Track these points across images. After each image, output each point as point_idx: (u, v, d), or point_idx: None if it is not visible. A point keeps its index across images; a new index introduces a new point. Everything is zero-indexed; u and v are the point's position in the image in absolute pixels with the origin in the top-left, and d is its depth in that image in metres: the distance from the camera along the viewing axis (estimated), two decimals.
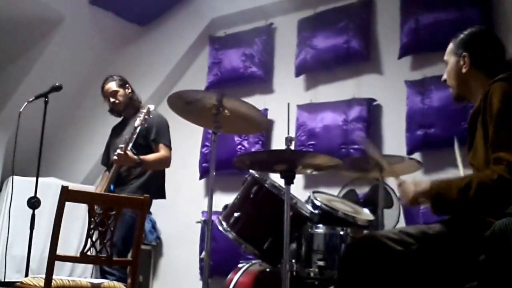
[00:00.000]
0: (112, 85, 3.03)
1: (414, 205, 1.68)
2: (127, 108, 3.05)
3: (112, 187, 2.82)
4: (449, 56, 1.78)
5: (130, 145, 2.76)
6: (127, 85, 3.07)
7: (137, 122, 2.75)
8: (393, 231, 1.59)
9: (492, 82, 1.60)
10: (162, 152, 2.90)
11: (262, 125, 2.47)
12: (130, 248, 2.35)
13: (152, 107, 2.82)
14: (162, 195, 3.01)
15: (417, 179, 1.68)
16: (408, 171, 2.45)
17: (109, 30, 4.62)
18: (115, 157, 2.73)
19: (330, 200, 2.30)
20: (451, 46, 1.79)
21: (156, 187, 2.94)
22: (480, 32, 1.79)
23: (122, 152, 2.70)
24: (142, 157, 2.79)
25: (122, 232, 2.60)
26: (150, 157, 2.85)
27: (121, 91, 3.02)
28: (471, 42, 1.75)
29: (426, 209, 3.12)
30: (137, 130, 2.76)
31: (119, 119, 3.17)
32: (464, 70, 1.72)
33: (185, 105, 2.14)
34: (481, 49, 1.74)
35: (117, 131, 3.10)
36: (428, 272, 1.53)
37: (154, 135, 2.92)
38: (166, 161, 2.94)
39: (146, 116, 2.77)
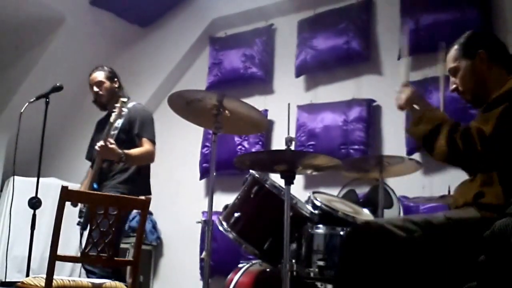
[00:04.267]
0: (99, 75, 2.92)
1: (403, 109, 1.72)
2: (110, 102, 2.88)
3: (95, 185, 2.69)
4: (457, 61, 1.70)
5: (111, 139, 2.65)
6: (115, 79, 2.94)
7: (112, 117, 2.64)
8: (397, 218, 1.60)
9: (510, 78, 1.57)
10: (146, 146, 2.78)
11: (262, 126, 2.47)
12: (119, 243, 2.21)
13: (125, 99, 2.68)
14: (147, 191, 2.86)
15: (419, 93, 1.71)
16: (408, 171, 2.46)
17: (109, 31, 4.63)
18: (97, 148, 2.61)
19: (330, 200, 2.30)
20: (455, 52, 1.71)
21: (141, 182, 2.82)
22: (481, 31, 1.77)
23: (103, 144, 2.58)
24: (125, 151, 2.67)
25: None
26: (134, 151, 2.73)
27: (107, 83, 2.90)
28: (482, 40, 1.70)
29: (427, 208, 3.14)
30: (115, 125, 2.65)
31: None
32: (483, 68, 1.66)
33: (185, 105, 2.14)
34: (495, 44, 1.70)
35: (101, 125, 2.96)
36: (430, 261, 1.52)
37: (138, 129, 2.80)
38: (150, 156, 2.81)
39: (121, 110, 2.63)
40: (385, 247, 1.50)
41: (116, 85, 2.94)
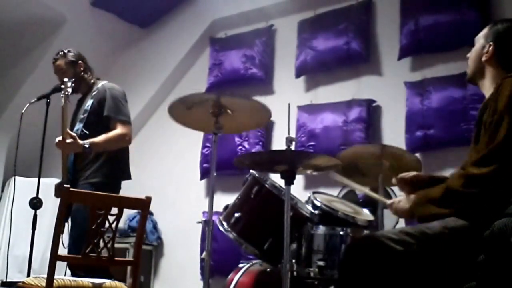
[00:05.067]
0: (60, 63, 2.78)
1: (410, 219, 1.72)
2: (79, 87, 2.76)
3: (70, 176, 2.59)
4: (480, 38, 1.77)
5: (78, 127, 2.58)
6: (79, 62, 2.78)
7: (62, 102, 2.49)
8: (393, 231, 1.60)
9: (505, 77, 1.58)
10: (118, 130, 2.60)
11: (264, 117, 2.35)
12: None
13: (66, 80, 2.54)
14: (126, 176, 2.73)
15: (401, 200, 1.70)
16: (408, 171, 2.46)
17: (110, 32, 4.64)
18: (55, 144, 2.48)
19: (330, 200, 2.31)
20: (486, 29, 1.77)
21: (116, 168, 2.66)
22: None
23: (57, 141, 2.46)
24: (90, 140, 2.51)
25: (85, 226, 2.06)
26: (100, 138, 2.55)
27: (69, 70, 2.75)
28: (502, 36, 1.72)
29: None
30: (84, 108, 2.57)
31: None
32: (484, 58, 1.72)
33: (185, 110, 2.11)
34: (509, 46, 1.72)
35: (74, 113, 2.82)
36: (428, 272, 1.53)
37: (107, 111, 2.62)
38: (122, 139, 2.62)
39: (66, 92, 2.50)
40: (384, 262, 1.50)
41: (81, 68, 2.78)
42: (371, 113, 3.57)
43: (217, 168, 2.27)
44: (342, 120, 3.59)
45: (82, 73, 2.78)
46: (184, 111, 2.13)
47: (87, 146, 2.50)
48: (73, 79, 2.62)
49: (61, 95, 2.54)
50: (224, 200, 2.45)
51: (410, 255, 1.52)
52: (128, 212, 4.02)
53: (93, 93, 2.71)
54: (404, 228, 1.62)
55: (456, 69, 3.20)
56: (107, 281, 2.07)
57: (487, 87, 1.70)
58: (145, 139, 4.61)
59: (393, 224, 2.60)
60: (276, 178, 2.16)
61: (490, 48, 1.71)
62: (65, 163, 2.59)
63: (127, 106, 2.73)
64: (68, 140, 2.46)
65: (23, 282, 2.00)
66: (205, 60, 4.46)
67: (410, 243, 1.52)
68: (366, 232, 2.13)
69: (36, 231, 2.67)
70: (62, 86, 2.54)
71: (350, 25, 3.70)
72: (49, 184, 3.68)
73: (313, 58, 3.81)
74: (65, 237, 2.36)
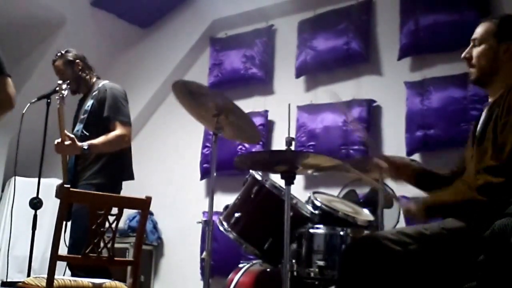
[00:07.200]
0: (58, 64, 2.78)
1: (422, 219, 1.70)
2: (79, 86, 2.77)
3: (70, 177, 2.59)
4: (487, 36, 1.68)
5: (78, 128, 2.59)
6: (77, 61, 2.77)
7: (57, 104, 2.48)
8: (391, 232, 1.61)
9: None
10: (117, 131, 2.58)
11: (255, 138, 2.44)
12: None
13: (61, 82, 2.55)
14: (128, 176, 2.72)
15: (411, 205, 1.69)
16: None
17: (110, 32, 4.65)
18: (55, 148, 2.48)
19: (330, 200, 2.31)
20: (492, 26, 1.69)
21: (117, 169, 2.64)
22: None
23: (55, 143, 2.46)
24: (89, 142, 2.50)
25: (85, 226, 2.01)
26: (99, 140, 2.54)
27: (67, 70, 2.75)
28: None
29: None
30: (85, 108, 2.58)
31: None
32: (504, 58, 1.66)
33: (188, 95, 2.09)
34: None
35: (76, 113, 2.83)
36: (427, 272, 1.54)
37: (107, 112, 2.60)
38: (122, 140, 2.59)
39: (61, 95, 2.49)
40: (383, 262, 1.52)
41: (79, 68, 2.76)
42: (371, 113, 3.57)
43: (217, 168, 2.27)
44: (342, 120, 3.59)
45: (80, 73, 2.77)
46: (186, 95, 2.11)
47: (85, 148, 2.49)
48: (68, 81, 2.62)
49: (56, 98, 2.53)
50: (224, 200, 2.45)
51: (409, 255, 1.53)
52: (128, 212, 4.02)
53: (94, 93, 2.71)
54: (402, 229, 1.63)
55: (456, 69, 3.20)
56: (107, 281, 2.08)
57: (498, 88, 1.65)
58: (145, 139, 4.61)
59: (393, 224, 2.60)
60: (276, 178, 2.16)
61: (510, 46, 1.65)
62: (65, 164, 2.59)
63: (128, 106, 2.73)
64: (67, 142, 2.46)
65: (23, 282, 2.00)
66: (205, 60, 4.46)
67: (408, 244, 1.54)
68: (366, 232, 2.13)
69: (36, 231, 2.67)
70: (57, 89, 2.53)
71: (350, 25, 3.70)
72: (49, 184, 3.69)
73: (313, 58, 3.81)
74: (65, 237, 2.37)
